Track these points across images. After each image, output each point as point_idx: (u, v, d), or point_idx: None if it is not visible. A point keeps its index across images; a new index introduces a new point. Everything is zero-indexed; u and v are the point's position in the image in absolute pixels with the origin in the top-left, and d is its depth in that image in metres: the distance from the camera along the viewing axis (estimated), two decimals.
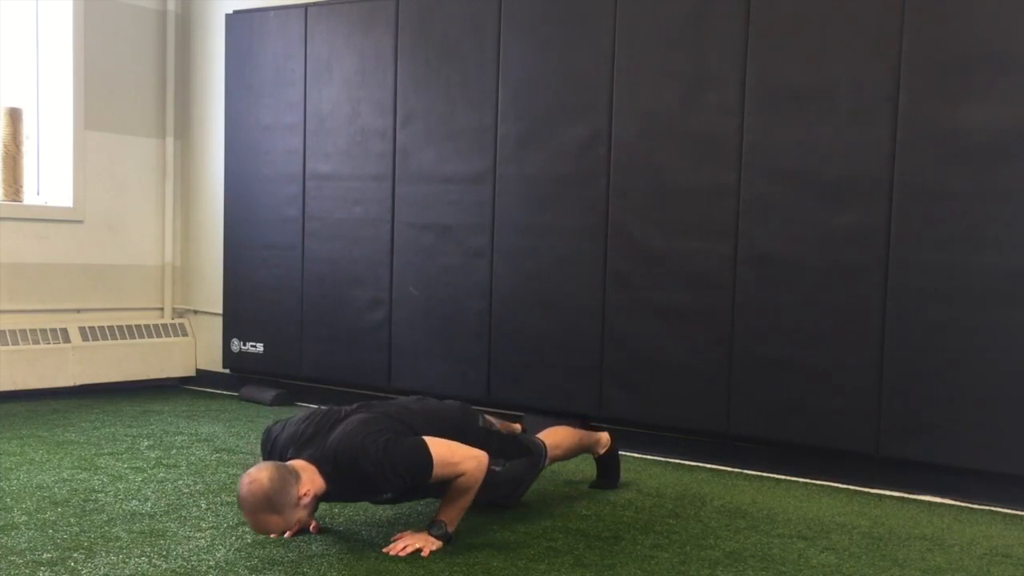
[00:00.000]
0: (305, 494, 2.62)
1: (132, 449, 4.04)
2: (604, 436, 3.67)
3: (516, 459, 3.20)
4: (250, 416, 4.95)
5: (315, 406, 5.20)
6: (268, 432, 2.92)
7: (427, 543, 2.77)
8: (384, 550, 2.75)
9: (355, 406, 2.95)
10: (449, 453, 2.77)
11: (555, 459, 3.43)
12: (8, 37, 5.40)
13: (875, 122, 3.71)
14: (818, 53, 3.81)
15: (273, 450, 2.85)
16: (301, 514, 2.65)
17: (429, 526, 2.83)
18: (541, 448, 3.31)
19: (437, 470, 2.73)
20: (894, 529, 3.24)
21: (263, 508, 2.56)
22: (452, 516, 2.84)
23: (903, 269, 3.68)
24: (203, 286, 5.82)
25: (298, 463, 2.69)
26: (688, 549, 2.90)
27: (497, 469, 3.06)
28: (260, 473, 2.57)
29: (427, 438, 2.78)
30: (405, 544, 2.76)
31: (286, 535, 2.85)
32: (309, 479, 2.65)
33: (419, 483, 2.76)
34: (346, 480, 2.70)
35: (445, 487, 2.82)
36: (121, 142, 5.63)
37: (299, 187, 5.20)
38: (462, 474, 2.79)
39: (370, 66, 4.94)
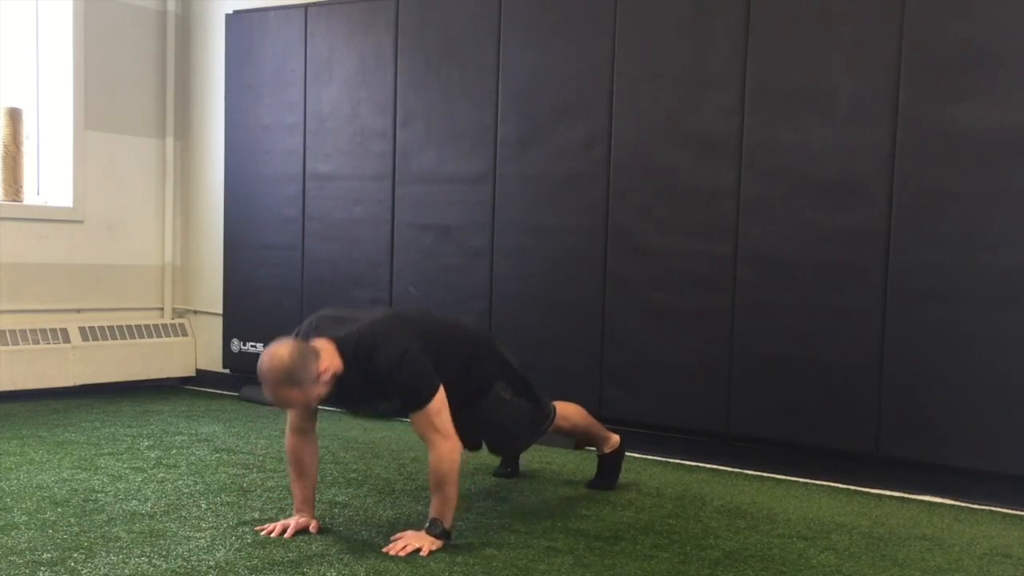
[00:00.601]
0: (324, 370, 2.69)
1: (132, 449, 4.04)
2: (615, 437, 3.66)
3: (523, 399, 3.24)
4: (250, 416, 4.95)
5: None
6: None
7: (426, 543, 2.77)
8: (384, 550, 2.75)
9: (391, 311, 2.98)
10: (439, 417, 2.79)
11: (559, 430, 3.45)
12: (8, 37, 5.40)
13: (875, 122, 3.71)
14: (818, 53, 3.81)
15: (300, 329, 2.90)
16: (320, 390, 2.72)
17: (426, 525, 2.83)
18: (550, 409, 3.35)
19: (423, 416, 2.77)
20: (894, 529, 3.24)
21: (284, 381, 2.64)
22: (442, 511, 2.82)
23: (903, 269, 3.68)
24: (203, 286, 5.83)
25: (319, 341, 2.76)
26: (688, 549, 2.90)
27: (505, 397, 3.17)
28: (280, 348, 2.66)
29: (441, 390, 2.80)
30: (405, 544, 2.76)
31: (311, 404, 2.81)
32: (328, 357, 2.72)
33: (407, 406, 2.80)
34: (358, 370, 2.76)
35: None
36: (121, 142, 5.63)
37: (299, 187, 5.20)
38: (432, 445, 2.78)
39: (370, 66, 4.95)
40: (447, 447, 2.80)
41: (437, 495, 2.83)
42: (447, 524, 2.82)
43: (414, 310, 3.17)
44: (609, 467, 3.68)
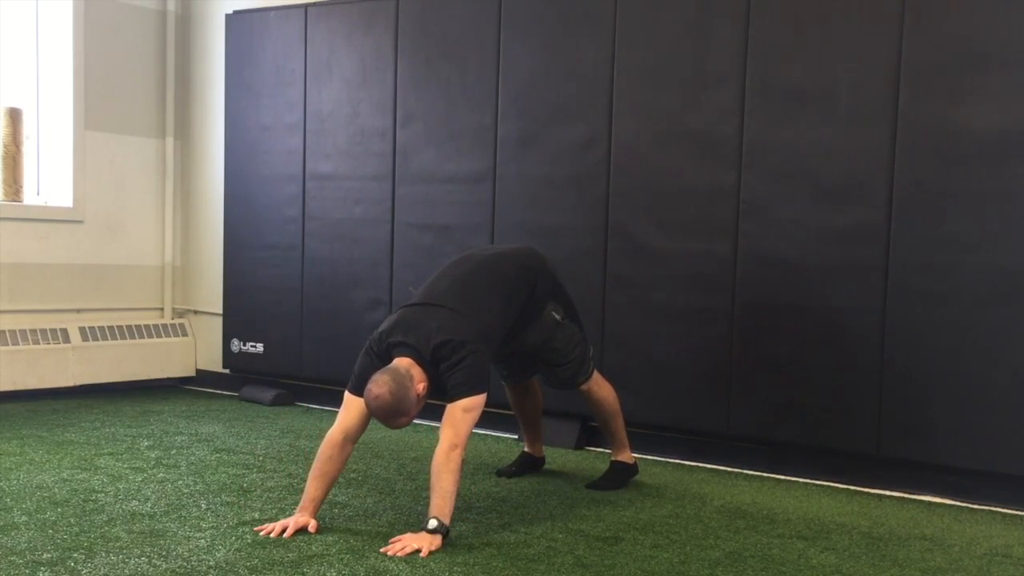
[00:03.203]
0: (422, 392, 2.95)
1: (132, 449, 4.04)
2: (629, 453, 3.77)
3: (574, 323, 3.54)
4: (250, 416, 4.95)
5: (315, 407, 5.23)
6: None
7: (425, 543, 2.77)
8: (382, 550, 2.75)
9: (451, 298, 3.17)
10: (466, 416, 2.94)
11: (590, 395, 3.64)
12: (8, 37, 5.40)
13: (875, 122, 3.71)
14: (818, 53, 3.81)
15: (372, 342, 3.08)
16: (420, 405, 2.96)
17: (424, 523, 2.83)
18: (590, 353, 3.60)
19: (455, 407, 2.94)
20: (894, 529, 3.24)
21: (394, 415, 2.90)
22: (440, 507, 2.83)
23: (903, 269, 3.68)
24: (203, 286, 5.82)
25: (403, 362, 2.96)
26: (688, 549, 2.90)
27: (557, 318, 3.45)
28: (380, 389, 2.87)
29: (483, 397, 2.98)
30: (404, 545, 2.76)
31: None
32: (419, 376, 2.96)
33: (449, 393, 2.97)
34: (431, 373, 2.98)
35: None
36: (121, 142, 5.63)
37: (299, 187, 5.20)
38: (444, 439, 2.91)
39: (370, 66, 4.95)
40: (450, 444, 2.89)
41: (435, 490, 2.85)
42: (445, 520, 2.82)
43: (467, 269, 3.31)
44: (618, 475, 3.72)
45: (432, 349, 2.97)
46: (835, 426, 3.82)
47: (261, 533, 2.88)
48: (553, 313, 3.44)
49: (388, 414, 2.90)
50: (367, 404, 2.92)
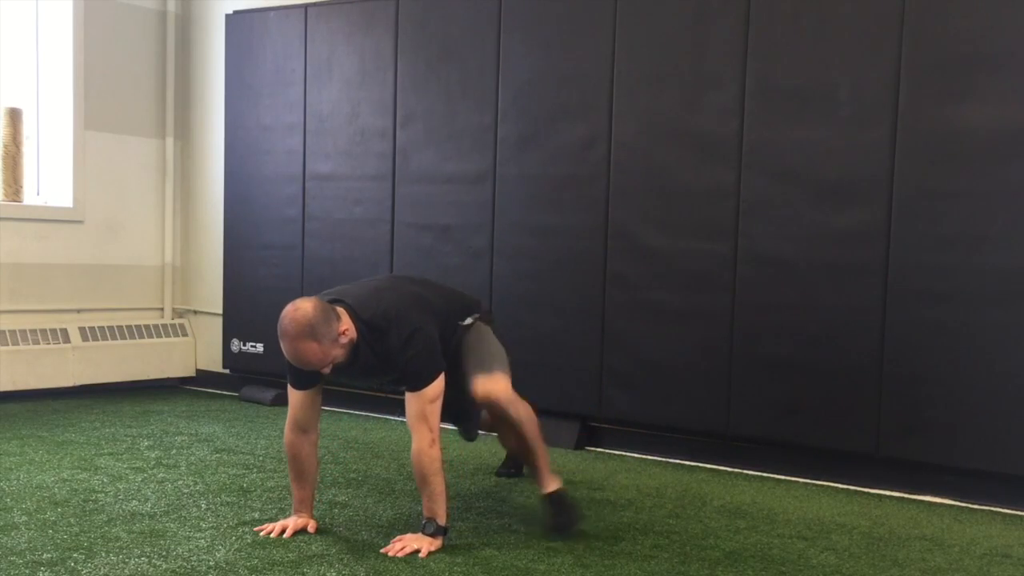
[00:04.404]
0: (344, 332, 2.73)
1: (132, 449, 4.04)
2: (555, 481, 3.10)
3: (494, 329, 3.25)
4: (250, 416, 4.95)
5: None
6: None
7: (425, 544, 2.77)
8: (383, 551, 2.75)
9: (401, 284, 3.07)
10: (431, 406, 2.81)
11: (505, 415, 3.11)
12: (8, 37, 5.40)
13: (875, 122, 3.71)
14: (818, 53, 3.81)
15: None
16: (337, 352, 2.74)
17: (422, 526, 2.83)
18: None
19: (418, 400, 2.80)
20: (894, 529, 3.24)
21: (305, 335, 2.66)
22: (432, 507, 2.81)
23: (903, 269, 3.68)
24: (203, 286, 5.82)
25: (338, 308, 2.78)
26: (688, 549, 2.90)
27: (473, 323, 3.17)
28: (303, 303, 2.71)
29: (442, 377, 2.84)
30: (404, 545, 2.76)
31: (324, 370, 2.78)
32: (348, 322, 2.76)
33: (407, 385, 2.83)
34: (369, 342, 2.80)
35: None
36: (121, 142, 5.63)
37: (299, 187, 5.20)
38: (417, 435, 2.78)
39: (370, 66, 4.95)
40: (428, 440, 2.78)
41: (424, 492, 2.82)
42: (440, 520, 2.82)
43: (415, 278, 3.24)
44: (556, 506, 3.06)
45: (368, 319, 2.79)
46: (835, 426, 3.82)
47: (261, 533, 2.88)
48: (471, 320, 3.17)
49: (300, 329, 2.64)
50: (281, 321, 2.69)
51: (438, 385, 2.84)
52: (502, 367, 3.14)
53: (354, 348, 2.80)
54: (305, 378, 2.89)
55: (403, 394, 2.88)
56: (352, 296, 2.89)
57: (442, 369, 2.86)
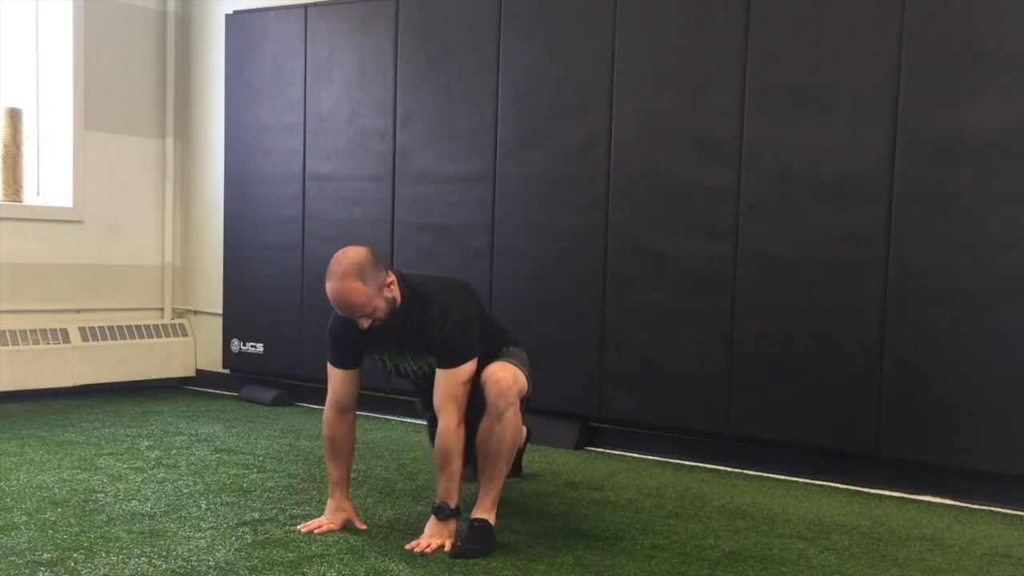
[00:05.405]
0: (390, 284, 2.77)
1: (132, 449, 4.04)
2: (494, 515, 2.89)
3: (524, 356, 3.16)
4: (250, 416, 4.95)
5: (315, 407, 5.22)
6: None
7: (446, 537, 2.79)
8: (408, 547, 2.77)
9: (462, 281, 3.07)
10: (463, 388, 2.81)
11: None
12: (8, 37, 5.40)
13: (875, 122, 3.71)
14: (818, 53, 3.81)
15: None
16: (380, 303, 2.75)
17: (434, 511, 2.83)
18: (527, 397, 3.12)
19: (450, 377, 2.79)
20: (894, 529, 3.24)
21: (353, 273, 2.68)
22: (448, 489, 2.81)
23: (903, 269, 3.68)
24: (203, 286, 5.82)
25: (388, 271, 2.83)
26: (688, 549, 2.90)
27: (510, 349, 3.10)
28: (356, 247, 2.76)
29: (474, 362, 2.83)
30: (428, 543, 2.78)
31: (363, 323, 2.77)
32: (393, 280, 2.80)
33: (440, 361, 2.82)
34: (410, 311, 2.83)
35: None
36: (121, 142, 5.63)
37: (299, 187, 5.20)
38: (446, 414, 2.77)
39: (370, 66, 4.95)
40: (456, 421, 2.79)
41: (443, 473, 2.82)
42: (452, 504, 2.82)
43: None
44: (480, 536, 2.82)
45: (415, 287, 2.85)
46: (835, 426, 3.82)
47: (303, 530, 2.90)
48: (508, 348, 3.12)
49: (349, 267, 2.68)
50: (331, 264, 2.72)
51: (470, 367, 2.83)
52: (523, 370, 3.03)
53: (394, 311, 2.81)
54: (347, 355, 2.92)
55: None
56: (404, 271, 2.95)
57: (477, 354, 2.85)
